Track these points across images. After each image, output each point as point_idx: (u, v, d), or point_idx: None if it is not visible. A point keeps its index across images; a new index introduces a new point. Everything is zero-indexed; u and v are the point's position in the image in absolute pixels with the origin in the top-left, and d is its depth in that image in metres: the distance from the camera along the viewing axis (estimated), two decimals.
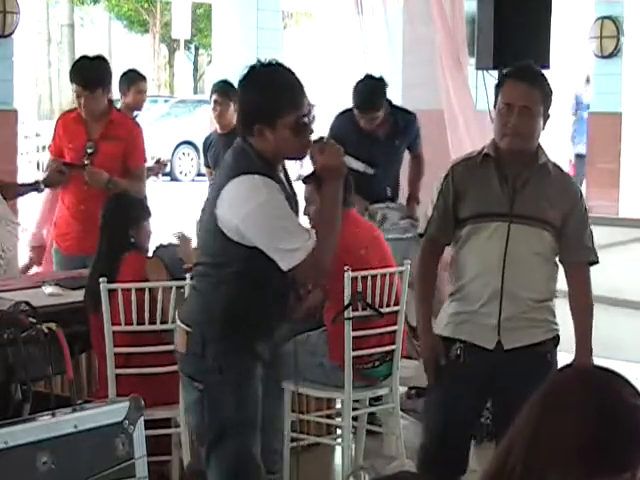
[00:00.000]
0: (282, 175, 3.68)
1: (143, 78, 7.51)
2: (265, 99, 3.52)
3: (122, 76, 7.40)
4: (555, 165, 4.01)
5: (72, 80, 5.77)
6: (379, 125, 6.26)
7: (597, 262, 4.03)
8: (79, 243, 5.72)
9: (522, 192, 3.91)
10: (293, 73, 3.59)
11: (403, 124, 6.39)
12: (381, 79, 6.35)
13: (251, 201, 3.48)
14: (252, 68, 3.60)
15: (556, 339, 4.01)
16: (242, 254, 3.54)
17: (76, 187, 5.74)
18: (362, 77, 6.35)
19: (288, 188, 3.68)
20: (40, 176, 5.99)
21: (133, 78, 7.40)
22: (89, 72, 5.74)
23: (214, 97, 7.12)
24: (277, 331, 3.82)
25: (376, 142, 6.22)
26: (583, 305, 4.03)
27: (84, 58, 6.07)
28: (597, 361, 4.10)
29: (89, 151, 5.70)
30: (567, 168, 12.01)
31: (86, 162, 5.68)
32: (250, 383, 3.68)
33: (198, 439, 3.82)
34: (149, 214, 4.99)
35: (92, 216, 5.53)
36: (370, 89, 6.25)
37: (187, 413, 3.85)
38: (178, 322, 3.77)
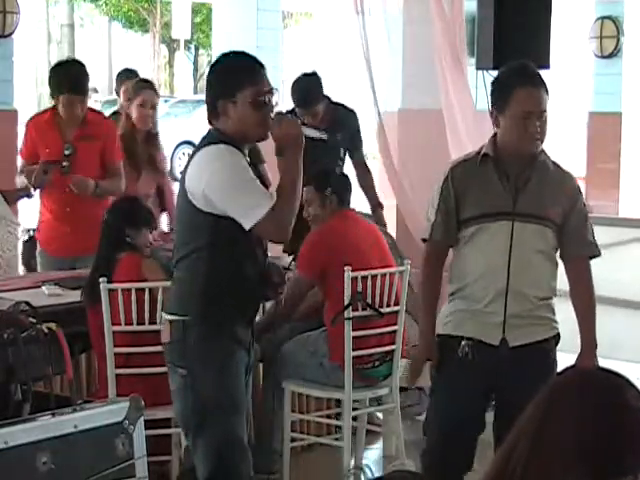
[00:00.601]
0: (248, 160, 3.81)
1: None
2: (225, 76, 3.79)
3: (124, 78, 6.83)
4: (554, 162, 4.03)
5: (64, 90, 5.66)
6: (320, 121, 6.32)
7: (599, 255, 4.05)
8: (67, 245, 5.71)
9: (524, 190, 3.92)
10: (255, 58, 3.85)
11: (343, 118, 6.45)
12: (315, 74, 6.46)
13: (215, 163, 3.67)
14: (220, 56, 3.93)
15: (557, 338, 4.03)
16: (211, 224, 3.67)
17: (59, 190, 5.70)
18: (297, 76, 6.43)
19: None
20: (19, 181, 5.89)
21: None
22: (83, 79, 5.73)
23: None
24: (255, 316, 3.92)
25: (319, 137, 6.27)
26: (587, 299, 4.05)
27: (64, 64, 6.01)
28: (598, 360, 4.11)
29: (67, 152, 5.67)
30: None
31: (64, 164, 5.64)
32: (232, 366, 3.75)
33: (183, 426, 3.89)
34: (152, 225, 4.97)
35: (79, 217, 5.55)
36: (306, 85, 6.35)
37: (173, 400, 3.88)
38: (163, 314, 3.88)
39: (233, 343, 3.77)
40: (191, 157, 3.79)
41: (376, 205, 6.56)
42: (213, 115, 3.79)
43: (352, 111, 6.63)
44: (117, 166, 5.87)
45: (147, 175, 6.19)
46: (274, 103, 3.77)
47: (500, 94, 3.96)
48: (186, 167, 3.77)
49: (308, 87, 6.34)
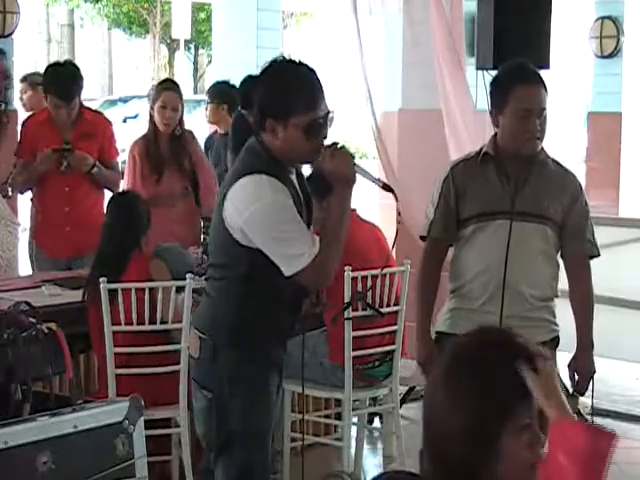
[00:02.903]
0: (294, 178, 3.57)
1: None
2: (280, 96, 3.42)
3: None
4: (554, 161, 4.03)
5: (50, 92, 5.77)
6: None
7: (598, 255, 4.05)
8: (65, 245, 5.74)
9: (523, 189, 3.92)
10: (314, 73, 3.47)
11: None
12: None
13: (255, 203, 3.39)
14: (274, 62, 3.51)
15: (556, 340, 4.02)
16: (248, 256, 3.45)
17: (57, 191, 5.78)
18: (243, 77, 6.57)
19: (299, 191, 3.57)
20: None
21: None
22: (70, 85, 5.78)
23: (208, 99, 7.22)
24: (290, 334, 3.72)
25: None
26: (585, 299, 4.05)
27: (57, 66, 6.04)
28: (596, 360, 4.11)
29: (66, 147, 5.72)
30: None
31: (64, 163, 5.72)
32: (262, 394, 3.59)
33: (207, 445, 3.71)
34: (150, 226, 4.97)
35: (78, 216, 5.59)
36: (250, 88, 6.34)
37: (196, 419, 3.73)
38: (192, 327, 3.71)
39: (266, 366, 3.60)
40: (231, 182, 3.46)
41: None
42: (260, 126, 3.47)
43: None
44: (114, 163, 5.99)
45: (171, 176, 6.16)
46: (329, 127, 3.47)
47: (499, 93, 3.95)
48: (225, 192, 3.48)
49: (250, 89, 6.37)
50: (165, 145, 6.12)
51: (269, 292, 3.53)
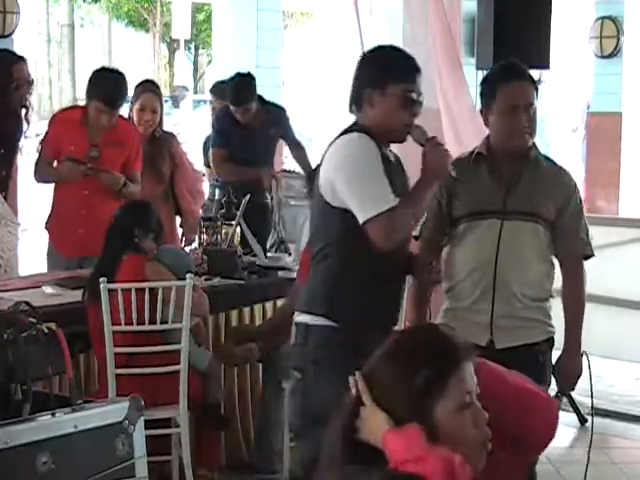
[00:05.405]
0: (392, 159, 3.69)
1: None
2: (379, 66, 3.66)
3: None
4: (547, 158, 4.02)
5: (95, 97, 5.68)
6: (254, 117, 6.80)
7: (593, 255, 4.03)
8: (78, 245, 5.72)
9: (515, 188, 3.91)
10: (413, 59, 3.70)
11: (274, 115, 6.96)
12: (249, 75, 6.86)
13: (344, 151, 3.55)
14: (374, 48, 3.82)
15: (551, 341, 3.96)
16: (340, 219, 3.52)
17: (76, 193, 5.74)
18: (232, 75, 6.88)
19: (397, 169, 3.69)
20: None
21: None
22: (117, 92, 5.70)
23: (213, 98, 7.22)
24: (392, 322, 3.68)
25: (253, 131, 6.78)
26: (575, 299, 4.01)
27: (104, 71, 5.98)
28: (596, 360, 4.10)
29: (92, 154, 5.69)
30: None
31: (89, 166, 5.67)
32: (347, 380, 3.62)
33: (290, 423, 3.78)
34: (160, 235, 4.95)
35: (94, 220, 5.54)
36: (239, 86, 6.78)
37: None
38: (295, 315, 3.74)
39: (358, 355, 3.61)
40: (326, 151, 3.66)
41: (309, 171, 6.78)
42: (354, 104, 3.66)
43: (282, 108, 7.15)
44: (136, 173, 5.92)
45: (150, 179, 6.16)
46: (420, 111, 3.66)
47: (487, 92, 3.98)
48: (321, 160, 3.66)
49: (239, 87, 6.76)
50: (144, 148, 6.11)
51: (360, 266, 3.54)
